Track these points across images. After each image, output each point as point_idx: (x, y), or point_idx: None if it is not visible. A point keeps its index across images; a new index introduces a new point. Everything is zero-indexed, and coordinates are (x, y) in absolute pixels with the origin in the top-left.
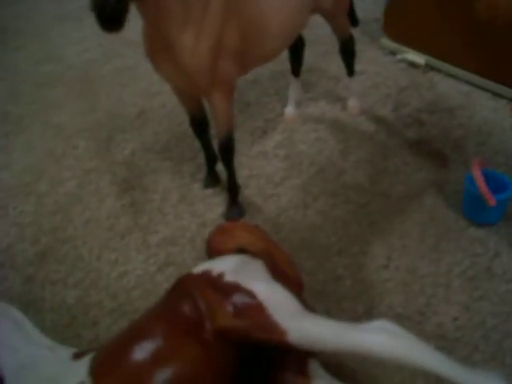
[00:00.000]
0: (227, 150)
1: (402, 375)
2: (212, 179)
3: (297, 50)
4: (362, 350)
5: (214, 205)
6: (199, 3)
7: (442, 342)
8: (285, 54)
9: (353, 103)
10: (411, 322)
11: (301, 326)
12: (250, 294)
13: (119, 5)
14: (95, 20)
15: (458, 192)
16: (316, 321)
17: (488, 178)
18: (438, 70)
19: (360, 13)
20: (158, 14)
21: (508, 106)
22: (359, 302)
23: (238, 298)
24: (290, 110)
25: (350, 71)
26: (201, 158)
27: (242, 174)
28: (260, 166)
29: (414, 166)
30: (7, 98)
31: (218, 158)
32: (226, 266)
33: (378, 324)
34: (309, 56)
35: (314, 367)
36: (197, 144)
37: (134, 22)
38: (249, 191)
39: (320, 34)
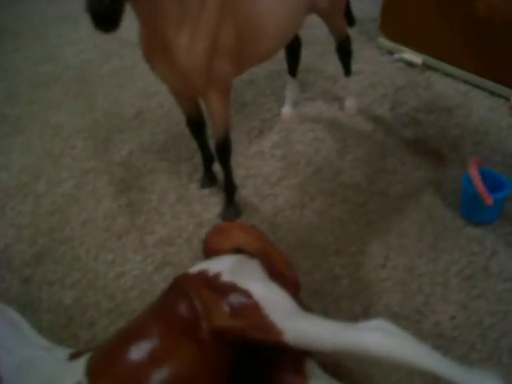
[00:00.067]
0: (224, 150)
1: (399, 374)
2: (209, 179)
3: (294, 49)
4: (359, 349)
5: (210, 205)
6: (195, 3)
7: (440, 340)
8: (281, 54)
9: (350, 103)
10: (409, 320)
11: (297, 325)
12: (246, 293)
13: (114, 5)
14: (90, 21)
15: (455, 191)
16: (312, 320)
17: (485, 177)
18: (435, 70)
19: (357, 12)
20: (154, 14)
21: (507, 105)
22: (356, 302)
23: (234, 298)
24: (286, 110)
25: (347, 71)
26: (198, 158)
27: (238, 174)
28: (257, 165)
29: (411, 166)
30: (6, 99)
31: (214, 158)
32: (223, 266)
33: (375, 323)
34: (306, 56)
35: (311, 367)
36: (194, 144)
37: (132, 23)
38: (245, 191)
39: (317, 34)
